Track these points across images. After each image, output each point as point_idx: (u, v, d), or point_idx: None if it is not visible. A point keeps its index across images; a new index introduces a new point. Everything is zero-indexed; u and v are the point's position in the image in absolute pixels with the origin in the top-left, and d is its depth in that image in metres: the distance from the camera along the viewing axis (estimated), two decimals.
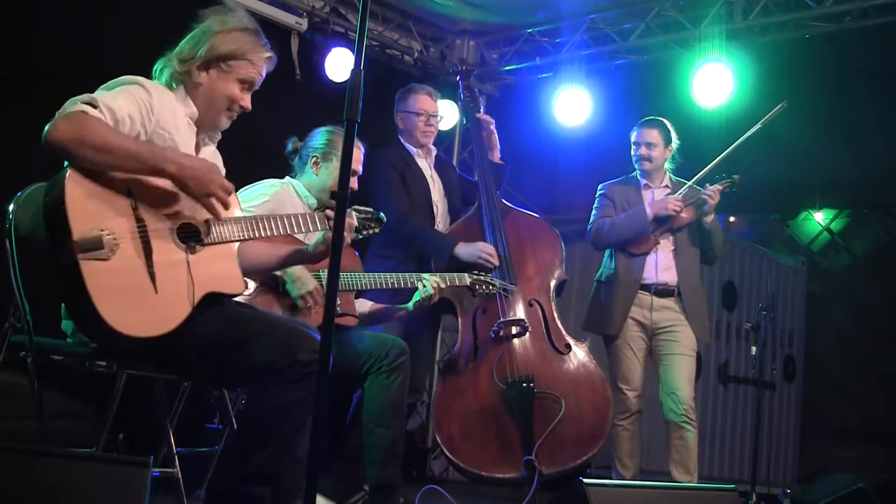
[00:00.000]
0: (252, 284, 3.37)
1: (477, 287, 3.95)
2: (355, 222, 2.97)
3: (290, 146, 3.81)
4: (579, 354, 4.16)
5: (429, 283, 3.75)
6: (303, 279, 3.39)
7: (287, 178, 3.78)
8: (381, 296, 4.02)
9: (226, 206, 2.60)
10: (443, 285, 3.82)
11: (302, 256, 2.94)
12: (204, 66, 2.72)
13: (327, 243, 2.84)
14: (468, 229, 4.32)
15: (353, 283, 3.63)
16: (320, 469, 2.07)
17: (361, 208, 3.04)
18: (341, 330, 3.55)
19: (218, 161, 2.87)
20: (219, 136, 2.90)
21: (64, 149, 2.38)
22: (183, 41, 2.76)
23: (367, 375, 3.58)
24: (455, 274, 3.92)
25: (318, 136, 3.78)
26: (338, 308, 3.52)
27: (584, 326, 4.69)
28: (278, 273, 3.38)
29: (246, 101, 2.78)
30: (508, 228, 4.33)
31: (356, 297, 3.84)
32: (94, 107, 2.44)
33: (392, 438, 3.57)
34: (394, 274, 3.77)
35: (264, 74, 2.83)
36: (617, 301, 4.50)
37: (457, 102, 4.71)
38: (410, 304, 3.82)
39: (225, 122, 2.81)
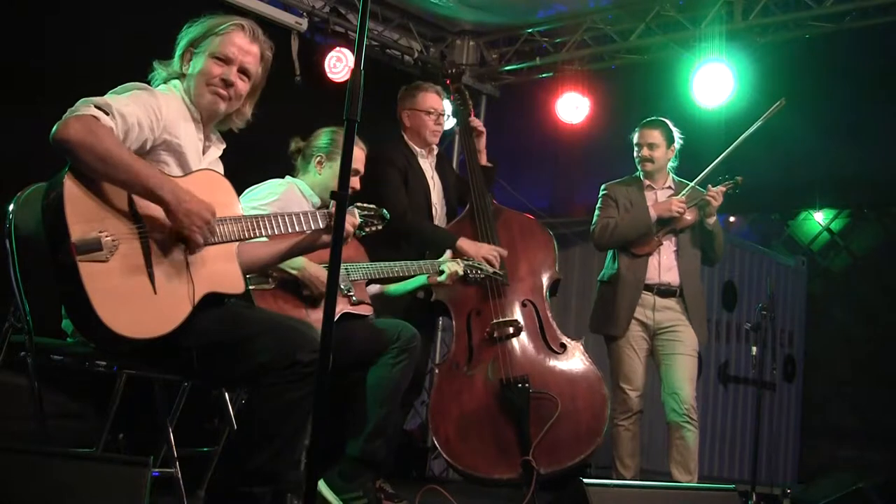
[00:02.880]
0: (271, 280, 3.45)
1: (469, 272, 4.00)
2: (357, 220, 2.97)
3: (292, 146, 3.84)
4: (575, 353, 4.16)
5: (448, 269, 3.86)
6: (320, 278, 3.45)
7: (288, 177, 3.80)
8: None
9: (204, 243, 2.56)
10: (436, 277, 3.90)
11: (301, 248, 2.93)
12: (183, 59, 2.77)
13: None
14: (461, 231, 4.31)
15: (365, 273, 3.68)
16: (321, 468, 2.08)
17: (364, 205, 3.04)
18: (358, 318, 3.62)
19: (218, 167, 2.87)
20: (223, 145, 2.90)
21: (69, 150, 2.37)
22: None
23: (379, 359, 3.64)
24: (450, 260, 4.00)
25: (322, 136, 3.81)
26: (353, 297, 3.60)
27: (590, 327, 4.70)
28: (294, 272, 3.43)
29: (229, 74, 2.74)
30: (500, 229, 4.34)
31: None
32: (107, 113, 2.44)
33: (384, 416, 3.62)
34: (401, 262, 3.80)
35: (254, 51, 2.79)
36: (621, 302, 4.49)
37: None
38: (444, 277, 3.90)
39: (216, 102, 2.75)
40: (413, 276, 3.93)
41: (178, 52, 2.78)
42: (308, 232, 2.85)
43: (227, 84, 2.75)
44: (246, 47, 2.78)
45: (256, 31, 2.83)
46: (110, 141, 2.41)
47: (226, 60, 2.74)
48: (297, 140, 3.84)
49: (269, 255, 2.94)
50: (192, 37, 2.77)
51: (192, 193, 2.53)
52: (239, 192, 2.92)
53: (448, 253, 4.04)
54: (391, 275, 3.78)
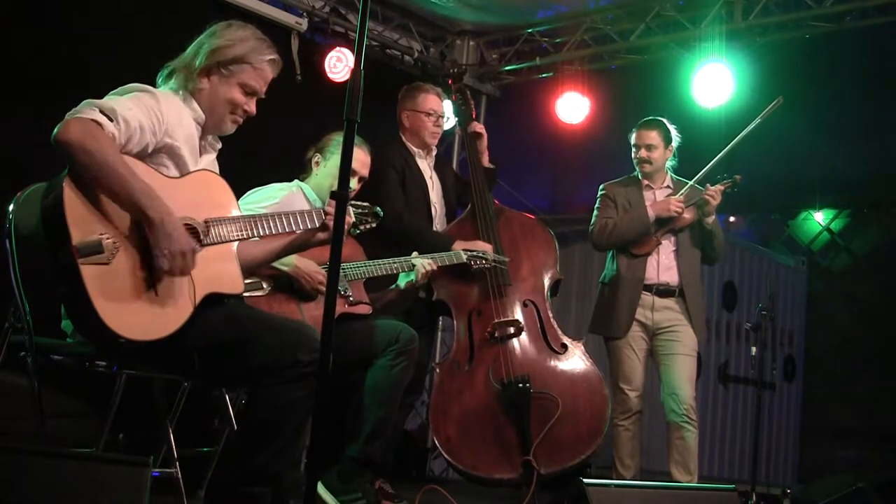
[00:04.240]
0: (265, 285, 3.46)
1: (473, 263, 4.03)
2: (352, 218, 2.98)
3: (308, 154, 3.89)
4: (575, 353, 4.17)
5: (419, 264, 3.82)
6: (311, 273, 3.46)
7: (296, 181, 3.83)
8: None
9: (182, 273, 2.51)
10: (434, 266, 3.87)
11: (295, 247, 2.94)
12: (206, 72, 2.73)
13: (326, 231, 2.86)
14: (462, 231, 4.32)
15: (359, 273, 3.68)
16: (321, 468, 2.08)
17: (358, 203, 3.05)
18: (356, 318, 3.62)
19: (214, 168, 2.88)
20: (219, 145, 2.90)
21: (69, 151, 2.37)
22: (188, 50, 2.78)
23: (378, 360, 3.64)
24: (451, 253, 4.00)
25: (325, 139, 3.86)
26: (351, 297, 3.61)
27: (590, 329, 4.69)
28: (286, 269, 3.43)
29: (251, 105, 2.79)
30: (502, 229, 4.34)
31: None
32: (111, 119, 2.43)
33: (383, 417, 3.61)
34: (397, 259, 3.81)
35: (269, 79, 2.82)
36: (622, 303, 4.49)
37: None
38: (402, 283, 3.88)
39: (230, 127, 2.80)
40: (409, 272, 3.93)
41: (200, 61, 2.72)
42: (304, 230, 2.86)
43: (247, 115, 2.79)
44: (269, 80, 2.81)
45: (281, 64, 2.86)
46: (109, 150, 2.41)
47: (252, 94, 2.77)
48: (311, 148, 3.89)
49: (263, 254, 2.96)
50: (224, 58, 2.72)
51: (181, 227, 2.50)
52: (238, 192, 2.92)
53: (415, 252, 4.02)
54: (390, 272, 3.79)
